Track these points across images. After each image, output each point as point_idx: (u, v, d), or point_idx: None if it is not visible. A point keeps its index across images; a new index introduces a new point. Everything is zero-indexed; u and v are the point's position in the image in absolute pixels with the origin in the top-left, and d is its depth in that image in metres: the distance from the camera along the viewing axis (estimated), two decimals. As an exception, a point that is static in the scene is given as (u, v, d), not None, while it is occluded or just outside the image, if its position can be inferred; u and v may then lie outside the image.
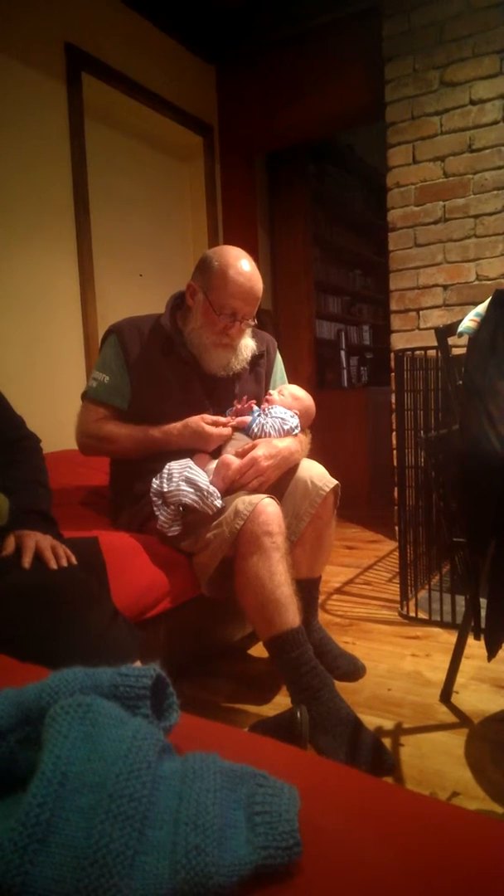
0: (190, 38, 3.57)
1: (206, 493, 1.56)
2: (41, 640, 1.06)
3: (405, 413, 2.32)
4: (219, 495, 1.58)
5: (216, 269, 1.71)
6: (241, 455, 1.66)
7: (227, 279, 1.70)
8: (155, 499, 1.62)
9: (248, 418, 1.75)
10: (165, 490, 1.59)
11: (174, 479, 1.59)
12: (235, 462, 1.63)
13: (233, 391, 1.85)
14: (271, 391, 1.87)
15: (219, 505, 1.57)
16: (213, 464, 1.67)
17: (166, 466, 1.63)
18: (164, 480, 1.60)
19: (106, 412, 1.81)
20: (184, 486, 1.57)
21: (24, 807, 0.46)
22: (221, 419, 1.71)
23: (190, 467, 1.62)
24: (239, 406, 1.77)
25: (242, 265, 1.72)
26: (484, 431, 1.24)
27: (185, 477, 1.58)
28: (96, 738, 0.50)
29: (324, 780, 0.61)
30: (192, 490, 1.57)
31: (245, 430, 1.74)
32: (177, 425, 1.71)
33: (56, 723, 0.51)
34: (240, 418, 1.75)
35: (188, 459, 1.66)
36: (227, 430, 1.71)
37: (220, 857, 0.45)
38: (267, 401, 1.82)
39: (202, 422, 1.68)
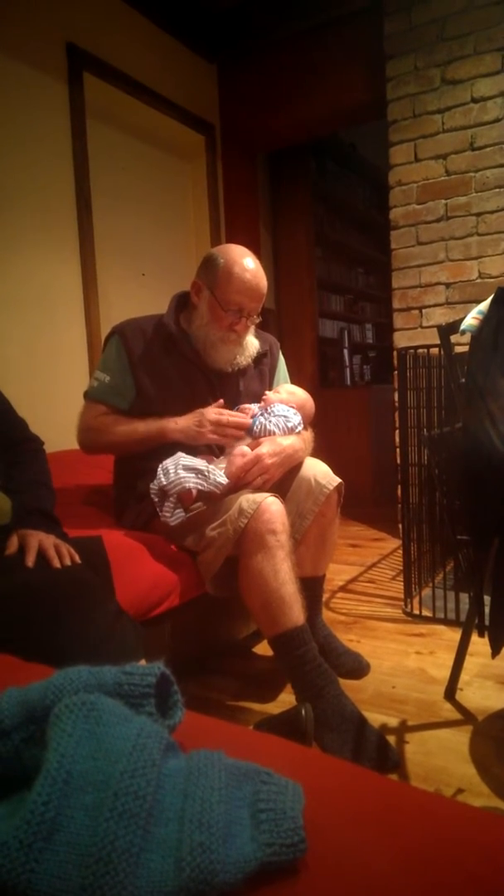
0: (191, 36, 3.56)
1: (207, 472, 1.57)
2: (46, 639, 1.06)
3: (408, 411, 2.31)
4: (219, 472, 1.58)
5: (222, 266, 1.72)
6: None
7: (232, 276, 1.70)
8: (155, 498, 1.62)
9: (249, 421, 1.75)
10: (165, 483, 1.57)
11: (171, 471, 1.58)
12: (249, 453, 1.63)
13: (238, 388, 1.85)
14: (268, 392, 1.86)
15: (223, 481, 1.58)
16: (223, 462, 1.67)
17: (160, 466, 1.62)
18: (162, 475, 1.59)
19: (106, 410, 1.81)
20: (183, 473, 1.57)
21: (30, 805, 0.46)
22: (228, 415, 1.69)
23: (182, 456, 1.62)
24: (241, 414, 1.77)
25: (247, 262, 1.73)
26: (486, 431, 1.24)
27: (181, 465, 1.58)
28: (101, 737, 0.51)
29: (328, 777, 0.61)
30: (192, 475, 1.57)
31: (247, 432, 1.73)
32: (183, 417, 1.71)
33: (60, 721, 0.51)
34: (242, 420, 1.74)
35: (179, 453, 1.65)
36: (228, 431, 1.68)
37: (226, 854, 0.45)
38: (264, 400, 1.82)
39: (210, 410, 1.68)
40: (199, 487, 1.57)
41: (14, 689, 0.57)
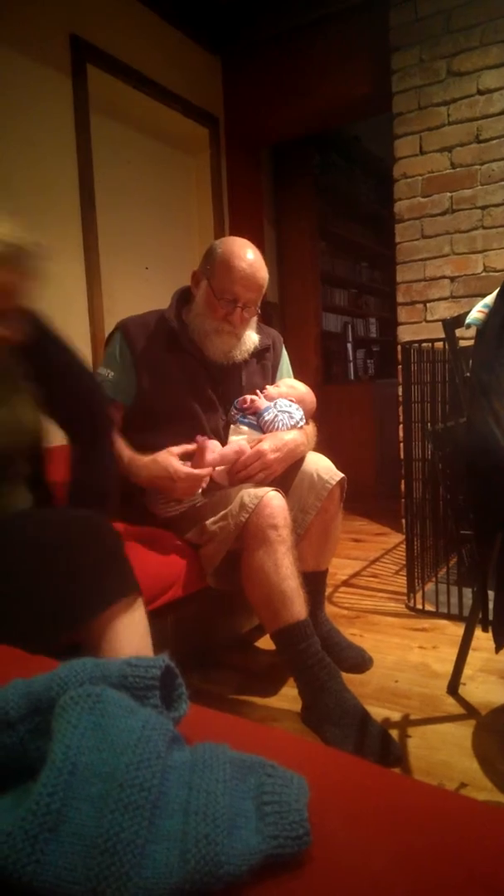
0: (195, 28, 3.54)
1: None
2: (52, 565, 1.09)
3: (412, 405, 2.31)
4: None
5: (219, 256, 1.72)
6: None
7: (229, 265, 1.70)
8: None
9: (262, 403, 1.76)
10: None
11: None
12: (246, 449, 1.63)
13: (239, 383, 1.84)
14: (268, 386, 1.86)
15: (199, 502, 1.67)
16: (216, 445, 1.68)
17: None
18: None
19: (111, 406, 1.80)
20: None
21: (35, 796, 0.46)
22: (190, 448, 1.61)
23: None
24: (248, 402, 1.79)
25: (245, 252, 1.72)
26: (489, 428, 1.24)
27: None
28: (106, 728, 0.51)
29: (332, 770, 0.61)
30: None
31: (257, 416, 1.74)
32: (145, 458, 1.64)
33: (66, 713, 0.51)
34: (254, 398, 1.78)
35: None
36: (198, 472, 1.59)
37: (230, 846, 0.45)
38: (265, 396, 1.82)
39: (170, 456, 1.59)
40: (172, 512, 1.66)
41: (19, 681, 0.57)
